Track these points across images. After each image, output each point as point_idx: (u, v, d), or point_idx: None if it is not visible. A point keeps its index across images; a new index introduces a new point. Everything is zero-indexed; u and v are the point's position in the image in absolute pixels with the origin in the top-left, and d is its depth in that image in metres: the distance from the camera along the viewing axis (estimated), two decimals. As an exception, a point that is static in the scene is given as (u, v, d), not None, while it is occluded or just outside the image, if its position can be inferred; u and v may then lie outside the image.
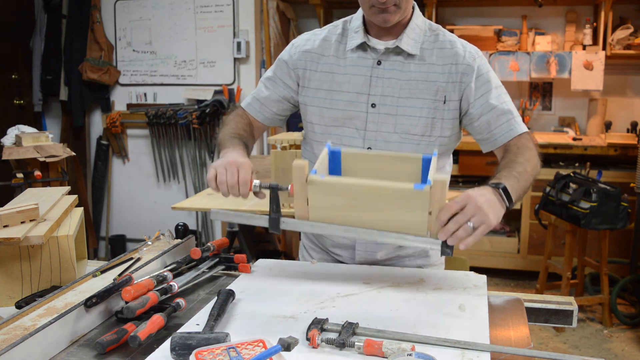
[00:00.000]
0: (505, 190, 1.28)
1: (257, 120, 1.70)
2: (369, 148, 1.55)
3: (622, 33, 4.28)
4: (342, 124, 1.56)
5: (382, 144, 1.54)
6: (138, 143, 4.82)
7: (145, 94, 4.76)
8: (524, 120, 5.05)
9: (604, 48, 4.31)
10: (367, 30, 1.56)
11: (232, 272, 1.55)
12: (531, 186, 1.41)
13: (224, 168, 1.35)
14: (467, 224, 1.18)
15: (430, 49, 1.54)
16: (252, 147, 1.64)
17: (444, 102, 1.52)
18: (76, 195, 1.78)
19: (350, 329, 1.13)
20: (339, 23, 1.64)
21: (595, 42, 4.37)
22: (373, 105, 1.53)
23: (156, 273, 1.35)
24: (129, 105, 4.80)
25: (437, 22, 4.53)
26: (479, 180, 4.41)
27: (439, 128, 1.53)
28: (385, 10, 1.44)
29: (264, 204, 3.04)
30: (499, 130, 1.52)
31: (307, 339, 1.12)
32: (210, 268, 1.51)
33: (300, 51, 1.61)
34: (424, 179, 1.30)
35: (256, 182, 1.34)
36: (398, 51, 1.53)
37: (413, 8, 1.56)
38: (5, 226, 1.41)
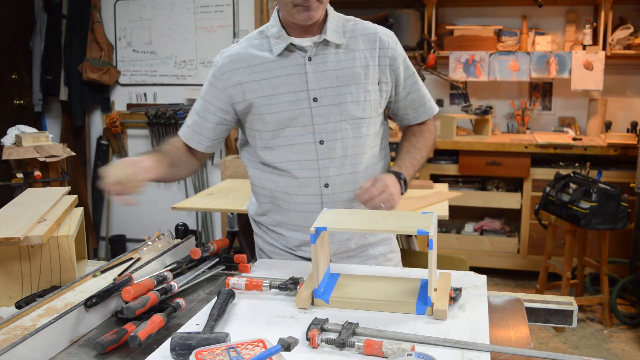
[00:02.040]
0: (405, 181, 1.57)
1: (197, 151, 1.69)
2: (320, 141, 1.57)
3: (622, 33, 4.28)
4: (288, 124, 1.58)
5: (332, 134, 1.58)
6: (138, 143, 4.81)
7: (145, 94, 4.76)
8: (524, 121, 4.98)
9: (604, 48, 4.31)
10: (288, 34, 1.58)
11: (232, 272, 1.55)
12: (424, 163, 1.84)
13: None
14: (381, 205, 1.47)
15: (354, 36, 1.60)
16: (195, 168, 1.73)
17: (378, 84, 1.61)
18: (76, 195, 1.78)
19: (350, 329, 1.13)
20: (254, 34, 1.64)
21: (595, 42, 4.37)
22: (315, 100, 1.56)
23: (156, 273, 1.35)
24: (129, 105, 4.80)
25: (437, 22, 4.54)
26: (478, 180, 4.41)
27: (376, 108, 1.63)
28: (309, 7, 1.47)
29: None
30: (422, 109, 1.72)
31: (307, 339, 1.12)
32: (210, 268, 1.51)
33: (225, 71, 1.60)
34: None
35: (265, 283, 1.38)
36: (325, 44, 1.57)
37: None
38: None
